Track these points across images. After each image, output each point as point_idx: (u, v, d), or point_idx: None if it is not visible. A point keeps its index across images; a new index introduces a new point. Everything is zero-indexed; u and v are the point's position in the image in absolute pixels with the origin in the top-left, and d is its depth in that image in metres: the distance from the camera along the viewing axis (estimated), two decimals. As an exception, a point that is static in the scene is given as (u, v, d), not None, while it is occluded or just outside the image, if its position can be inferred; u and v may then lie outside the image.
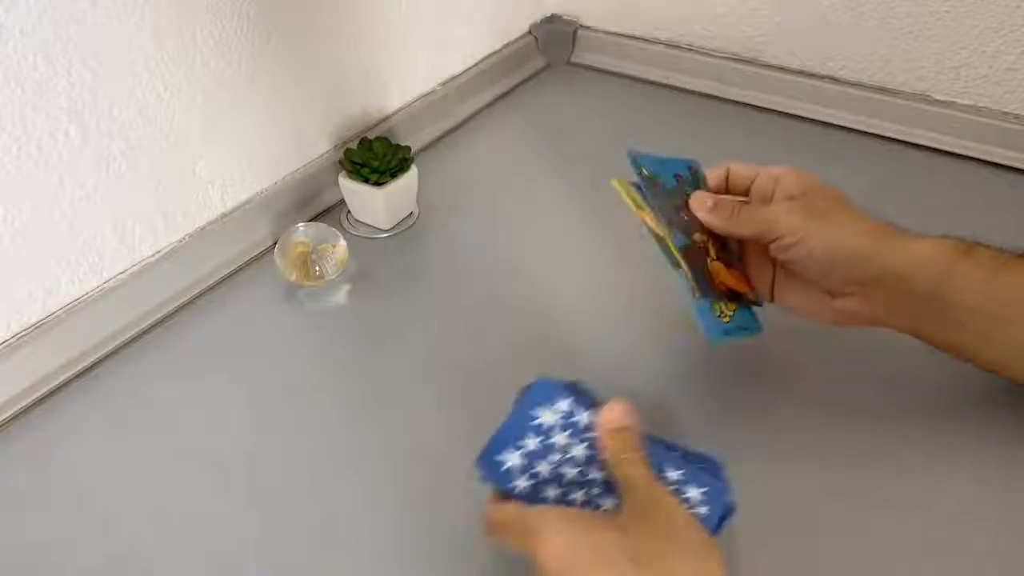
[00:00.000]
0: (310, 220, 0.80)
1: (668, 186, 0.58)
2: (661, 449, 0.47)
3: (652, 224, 0.57)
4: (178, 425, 0.62)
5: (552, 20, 1.10)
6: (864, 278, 0.53)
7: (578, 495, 0.47)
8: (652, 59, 1.04)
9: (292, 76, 0.78)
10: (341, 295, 0.74)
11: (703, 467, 0.48)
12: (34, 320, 0.64)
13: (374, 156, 0.77)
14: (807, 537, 0.52)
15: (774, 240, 0.54)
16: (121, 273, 0.69)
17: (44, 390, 0.64)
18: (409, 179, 0.79)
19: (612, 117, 0.99)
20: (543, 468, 0.47)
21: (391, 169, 0.77)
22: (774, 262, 0.58)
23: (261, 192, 0.78)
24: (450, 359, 0.67)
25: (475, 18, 0.98)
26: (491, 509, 0.47)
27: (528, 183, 0.88)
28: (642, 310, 0.69)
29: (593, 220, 0.80)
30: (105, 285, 0.68)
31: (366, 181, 0.77)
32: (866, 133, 0.92)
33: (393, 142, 0.79)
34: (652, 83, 1.04)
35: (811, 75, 0.95)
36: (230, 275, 0.75)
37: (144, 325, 0.70)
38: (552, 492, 0.47)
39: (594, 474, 0.47)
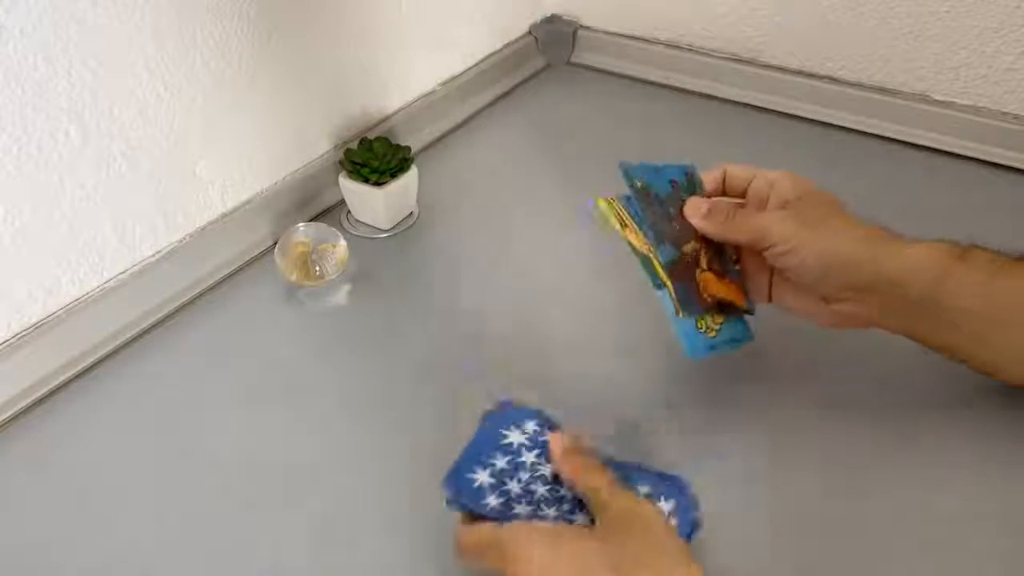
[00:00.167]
0: (310, 220, 0.80)
1: (663, 194, 0.58)
2: (627, 468, 0.48)
3: (637, 243, 0.57)
4: (178, 425, 0.62)
5: (552, 20, 1.10)
6: (858, 284, 0.53)
7: (550, 511, 0.47)
8: (652, 59, 1.04)
9: (292, 76, 0.78)
10: (341, 295, 0.74)
11: (670, 483, 0.48)
12: (34, 320, 0.64)
13: (374, 156, 0.77)
14: (806, 537, 0.52)
15: (767, 248, 0.54)
16: (121, 273, 0.69)
17: (44, 390, 0.64)
18: (409, 179, 0.79)
19: (612, 117, 0.99)
20: (513, 486, 0.47)
21: (391, 169, 0.77)
22: (770, 268, 0.58)
23: (261, 192, 0.78)
24: (450, 359, 0.67)
25: (475, 18, 0.98)
26: (462, 531, 0.46)
27: (528, 183, 0.88)
28: (642, 309, 0.69)
29: (593, 219, 0.80)
30: (105, 285, 0.68)
31: (366, 181, 0.77)
32: (866, 133, 0.92)
33: (393, 142, 0.79)
34: (652, 83, 1.04)
35: (811, 75, 0.95)
36: (230, 275, 0.75)
37: (144, 325, 0.70)
38: (523, 510, 0.46)
39: (564, 491, 0.47)
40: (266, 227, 0.78)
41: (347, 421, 0.62)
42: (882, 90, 0.92)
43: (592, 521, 0.45)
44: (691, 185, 0.59)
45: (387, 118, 0.89)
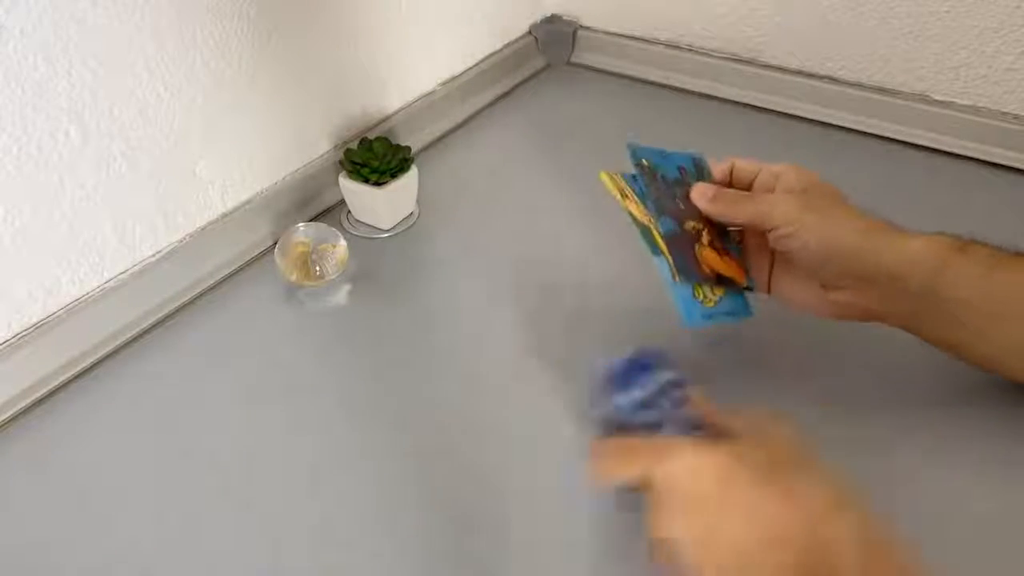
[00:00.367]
0: (310, 220, 0.80)
1: (670, 177, 0.59)
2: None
3: (637, 213, 0.57)
4: (178, 425, 0.62)
5: (552, 20, 1.10)
6: (859, 273, 0.54)
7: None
8: (652, 59, 1.04)
9: (292, 76, 0.78)
10: (341, 295, 0.74)
11: None
12: (34, 320, 0.64)
13: (374, 156, 0.77)
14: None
15: (770, 229, 0.55)
16: (121, 273, 0.69)
17: (44, 390, 0.64)
18: (409, 179, 0.79)
19: (612, 117, 0.99)
20: (652, 416, 0.48)
21: (391, 169, 0.77)
22: (772, 254, 0.59)
23: (261, 192, 0.78)
24: (450, 359, 0.67)
25: (475, 18, 0.98)
26: (608, 441, 0.47)
27: (528, 183, 0.88)
28: (642, 308, 0.69)
29: (593, 219, 0.80)
30: (105, 285, 0.68)
31: (366, 181, 0.77)
32: (865, 133, 0.92)
33: (393, 142, 0.79)
34: (652, 83, 1.04)
35: (810, 75, 0.95)
36: (230, 275, 0.75)
37: (144, 325, 0.70)
38: (666, 431, 0.47)
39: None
40: (266, 227, 0.78)
41: (347, 421, 0.62)
42: (882, 90, 0.92)
43: None
44: (699, 172, 0.60)
45: (387, 118, 0.89)
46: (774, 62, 0.97)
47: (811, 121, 0.95)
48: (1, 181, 0.58)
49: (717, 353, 0.64)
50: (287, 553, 0.53)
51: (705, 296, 0.57)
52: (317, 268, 0.72)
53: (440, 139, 0.95)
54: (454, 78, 0.97)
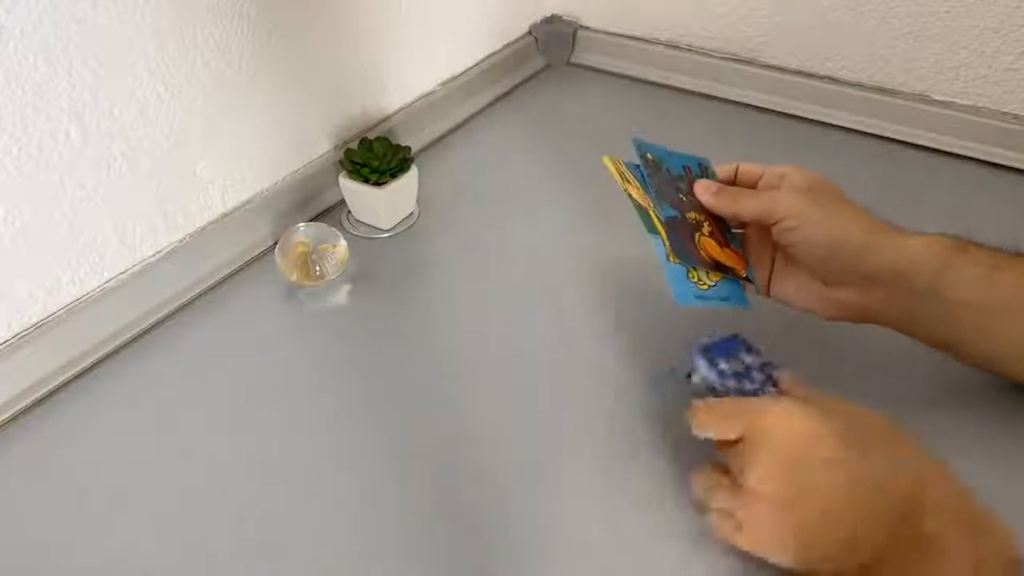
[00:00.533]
0: (310, 220, 0.80)
1: (674, 172, 0.59)
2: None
3: (637, 196, 0.57)
4: (178, 425, 0.62)
5: (552, 20, 1.10)
6: (862, 271, 0.54)
7: None
8: (652, 59, 1.04)
9: (292, 76, 0.78)
10: (341, 295, 0.74)
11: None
12: (34, 320, 0.64)
13: (374, 156, 0.77)
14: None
15: (776, 222, 0.55)
16: (122, 273, 0.69)
17: (44, 390, 0.64)
18: (409, 179, 0.79)
19: (612, 117, 0.99)
20: (747, 385, 0.51)
21: (391, 169, 0.77)
22: (773, 251, 0.59)
23: (261, 192, 0.78)
24: (450, 359, 0.67)
25: (475, 18, 0.98)
26: (705, 402, 0.49)
27: (528, 183, 0.88)
28: (642, 308, 0.69)
29: (593, 219, 0.80)
30: (106, 285, 0.68)
31: (366, 181, 0.77)
32: (865, 133, 0.92)
33: (393, 142, 0.79)
34: (652, 83, 1.04)
35: (810, 75, 0.95)
36: (231, 275, 0.75)
37: (144, 325, 0.70)
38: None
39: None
40: (266, 227, 0.78)
41: (347, 421, 0.62)
42: (882, 90, 0.92)
43: None
44: (703, 173, 0.61)
45: (387, 118, 0.89)
46: (774, 62, 0.97)
47: (811, 121, 0.95)
48: (1, 181, 0.58)
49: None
50: (287, 553, 0.53)
51: (700, 279, 0.57)
52: (317, 268, 0.72)
53: (440, 139, 0.95)
54: (454, 78, 0.97)
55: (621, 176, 0.58)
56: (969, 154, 0.87)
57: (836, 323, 0.58)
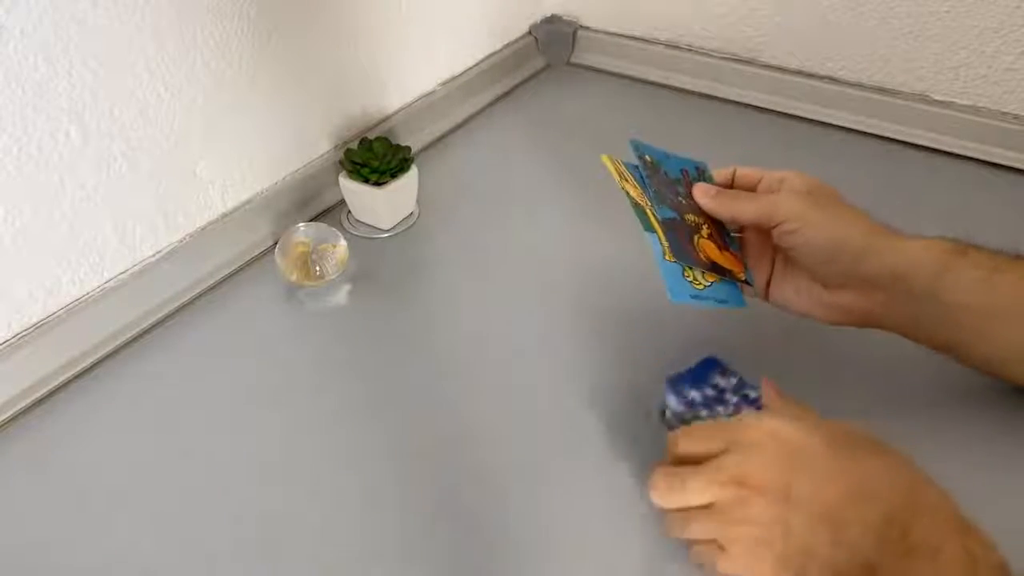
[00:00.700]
0: (310, 220, 0.80)
1: (671, 176, 0.59)
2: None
3: (635, 195, 0.57)
4: (178, 425, 0.62)
5: (552, 20, 1.10)
6: (862, 274, 0.54)
7: None
8: (652, 59, 1.04)
9: (292, 76, 0.78)
10: (341, 295, 0.74)
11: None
12: (34, 320, 0.64)
13: (374, 156, 0.77)
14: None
15: (776, 225, 0.55)
16: (122, 273, 0.69)
17: (44, 390, 0.64)
18: (409, 179, 0.79)
19: (612, 117, 0.99)
20: (720, 410, 0.51)
21: (391, 169, 0.77)
22: (773, 255, 0.59)
23: (261, 192, 0.78)
24: (450, 359, 0.67)
25: (475, 18, 0.98)
26: (681, 430, 0.49)
27: (528, 183, 0.88)
28: (643, 307, 0.69)
29: (593, 219, 0.80)
30: (106, 285, 0.68)
31: (366, 181, 0.77)
32: (865, 133, 0.92)
33: (393, 142, 0.79)
34: (652, 83, 1.04)
35: (810, 75, 0.95)
36: (231, 275, 0.75)
37: (144, 325, 0.70)
38: None
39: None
40: (266, 227, 0.78)
41: (347, 421, 0.62)
42: (882, 90, 0.92)
43: None
44: (701, 177, 0.60)
45: (387, 118, 0.89)
46: (774, 62, 0.97)
47: (811, 121, 0.95)
48: (1, 181, 0.58)
49: (719, 357, 0.64)
50: (287, 553, 0.53)
51: (695, 279, 0.57)
52: (317, 268, 0.72)
53: (440, 139, 0.95)
54: (454, 78, 0.97)
55: (619, 175, 0.58)
56: (969, 154, 0.87)
57: (835, 327, 0.58)
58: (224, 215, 0.75)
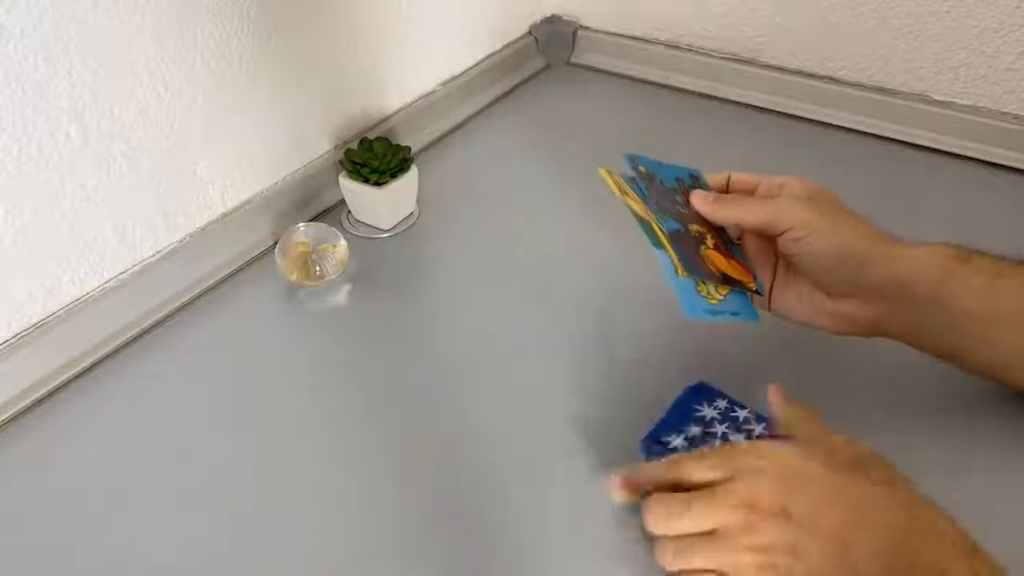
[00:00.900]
0: (310, 220, 0.80)
1: (668, 185, 0.58)
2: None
3: (638, 209, 0.56)
4: (178, 425, 0.62)
5: (552, 20, 1.10)
6: (867, 282, 0.53)
7: None
8: (652, 59, 1.04)
9: (292, 76, 0.78)
10: (341, 295, 0.74)
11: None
12: (34, 320, 0.64)
13: (374, 156, 0.77)
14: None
15: (781, 233, 0.54)
16: (122, 273, 0.69)
17: (44, 390, 0.64)
18: (409, 179, 0.79)
19: (612, 117, 0.99)
20: (705, 446, 0.51)
21: (391, 169, 0.77)
22: (775, 263, 0.58)
23: (261, 192, 0.78)
24: (450, 359, 0.67)
25: (475, 18, 0.98)
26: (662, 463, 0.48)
27: (528, 183, 0.88)
28: (643, 306, 0.69)
29: (593, 219, 0.80)
30: (106, 285, 0.68)
31: (366, 181, 0.77)
32: (865, 133, 0.92)
33: (393, 142, 0.79)
34: (652, 83, 1.04)
35: (810, 75, 0.95)
36: (231, 275, 0.75)
37: (144, 325, 0.70)
38: None
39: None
40: (266, 227, 0.78)
41: (347, 421, 0.62)
42: (882, 90, 0.92)
43: None
44: (695, 185, 0.59)
45: (387, 118, 0.89)
46: (774, 62, 0.97)
47: (811, 121, 0.95)
48: (1, 181, 0.58)
49: (722, 362, 0.64)
50: (287, 553, 0.53)
51: (709, 293, 0.56)
52: (317, 268, 0.72)
53: (440, 139, 0.95)
54: (454, 78, 0.97)
55: (619, 188, 0.57)
56: (969, 154, 0.87)
57: (838, 336, 0.57)
58: (224, 215, 0.75)
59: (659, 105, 1.01)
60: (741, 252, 0.59)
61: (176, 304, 0.72)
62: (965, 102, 0.88)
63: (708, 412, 0.52)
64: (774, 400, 0.50)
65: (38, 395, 0.64)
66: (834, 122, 0.94)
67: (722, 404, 0.53)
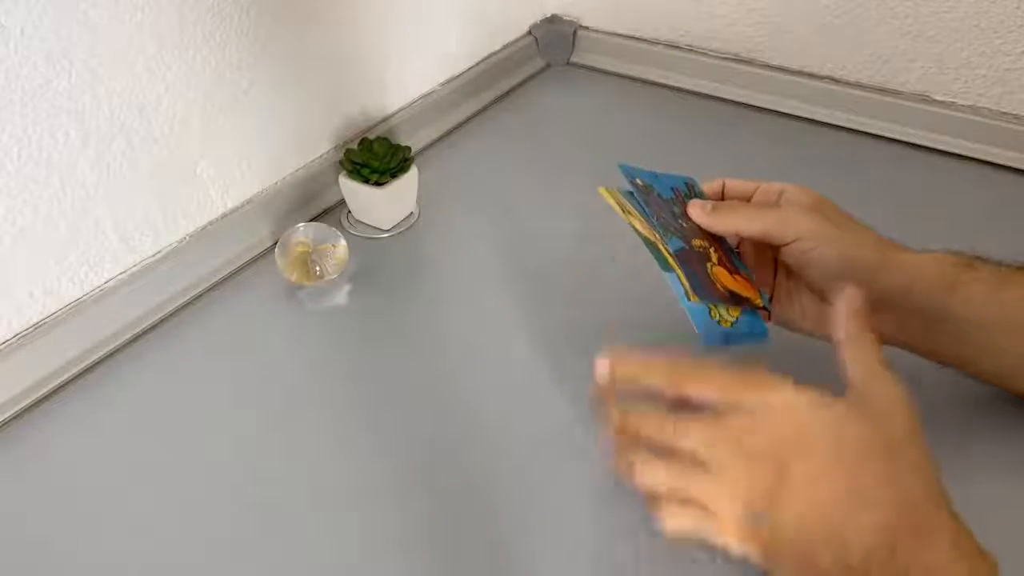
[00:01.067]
0: (310, 220, 0.80)
1: (665, 196, 0.57)
2: None
3: (641, 228, 0.55)
4: (178, 425, 0.62)
5: (552, 21, 1.10)
6: (874, 292, 0.51)
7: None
8: (652, 59, 1.04)
9: (292, 76, 0.78)
10: (341, 295, 0.74)
11: None
12: (34, 320, 0.64)
13: (374, 156, 0.77)
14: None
15: (787, 243, 0.53)
16: (122, 273, 0.69)
17: (44, 390, 0.64)
18: (409, 179, 0.79)
19: (612, 117, 0.99)
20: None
21: (391, 169, 0.77)
22: (774, 273, 0.58)
23: (261, 192, 0.78)
24: (450, 359, 0.67)
25: (475, 18, 0.98)
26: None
27: (528, 183, 0.88)
28: (643, 306, 0.69)
29: (593, 219, 0.80)
30: (105, 285, 0.68)
31: (366, 181, 0.77)
32: (866, 133, 0.92)
33: (393, 142, 0.79)
34: (652, 83, 1.04)
35: (811, 75, 0.95)
36: (231, 275, 0.75)
37: (144, 325, 0.70)
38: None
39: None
40: (266, 227, 0.78)
41: (347, 421, 0.62)
42: (882, 90, 0.92)
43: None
44: (691, 194, 0.58)
45: (387, 118, 0.89)
46: (774, 62, 0.97)
47: (811, 121, 0.95)
48: (1, 181, 0.58)
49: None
50: (287, 552, 0.53)
51: (722, 317, 0.54)
52: (317, 268, 0.72)
53: (440, 139, 0.95)
54: (454, 78, 0.97)
55: (621, 208, 0.56)
56: (969, 154, 0.87)
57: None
58: (224, 215, 0.75)
59: (659, 105, 1.01)
60: (742, 261, 0.58)
61: (176, 304, 0.72)
62: (965, 102, 0.88)
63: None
64: (848, 308, 0.45)
65: (38, 395, 0.64)
66: (834, 122, 0.94)
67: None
